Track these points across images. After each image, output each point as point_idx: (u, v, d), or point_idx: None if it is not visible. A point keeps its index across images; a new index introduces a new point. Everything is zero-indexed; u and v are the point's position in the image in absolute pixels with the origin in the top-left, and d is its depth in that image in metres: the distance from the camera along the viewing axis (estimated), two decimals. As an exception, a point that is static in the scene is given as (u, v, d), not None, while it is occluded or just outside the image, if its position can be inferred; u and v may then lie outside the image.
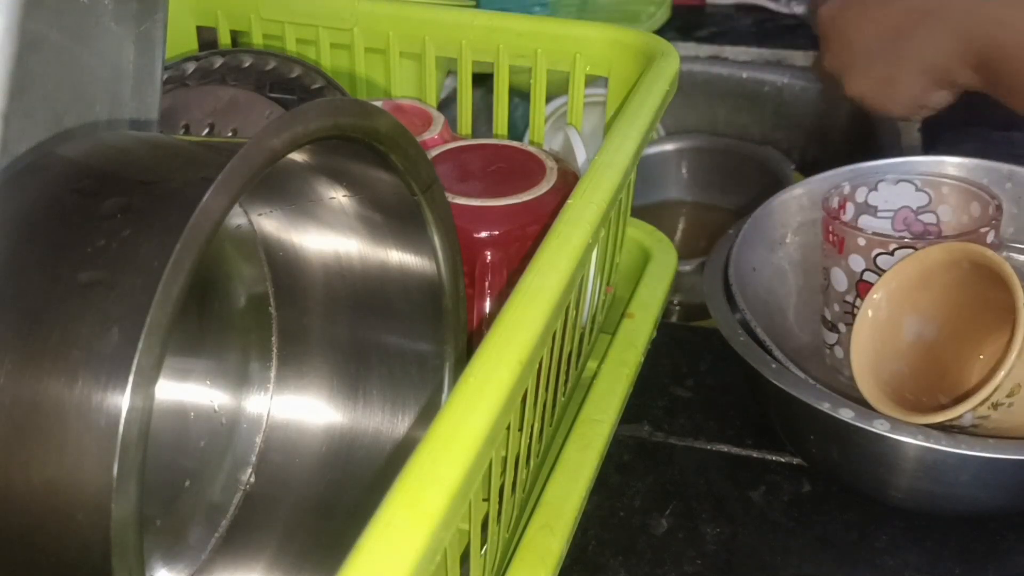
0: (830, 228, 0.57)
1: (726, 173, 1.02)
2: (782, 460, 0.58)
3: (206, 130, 0.56)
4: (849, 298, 0.57)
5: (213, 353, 0.47)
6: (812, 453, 0.55)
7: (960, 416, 0.47)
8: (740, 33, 1.08)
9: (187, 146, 0.36)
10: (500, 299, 0.51)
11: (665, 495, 0.56)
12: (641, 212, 0.67)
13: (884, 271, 0.53)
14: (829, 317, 0.59)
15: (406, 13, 0.63)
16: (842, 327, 0.58)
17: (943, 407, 0.48)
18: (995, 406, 0.47)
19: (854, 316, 0.57)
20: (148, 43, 0.43)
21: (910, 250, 0.53)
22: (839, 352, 0.59)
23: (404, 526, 0.29)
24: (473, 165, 0.56)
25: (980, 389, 0.47)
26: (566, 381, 0.53)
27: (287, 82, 0.60)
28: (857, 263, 0.55)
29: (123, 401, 0.28)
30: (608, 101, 0.61)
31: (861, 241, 0.55)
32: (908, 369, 0.53)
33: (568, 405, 0.56)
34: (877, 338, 0.52)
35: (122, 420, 0.28)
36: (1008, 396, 0.47)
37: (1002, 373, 0.46)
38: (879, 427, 0.48)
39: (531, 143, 0.59)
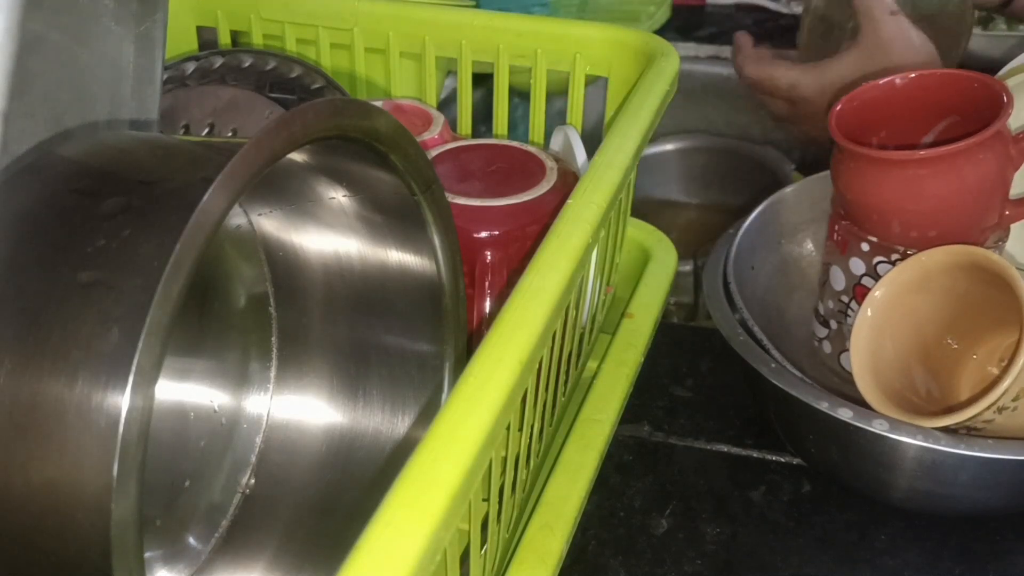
0: (835, 227, 0.57)
1: (726, 173, 1.02)
2: (782, 460, 0.58)
3: (206, 130, 0.56)
4: (844, 298, 0.57)
5: (213, 353, 0.47)
6: (811, 453, 0.55)
7: (964, 421, 0.47)
8: (740, 33, 1.08)
9: (187, 146, 0.36)
10: (500, 299, 0.51)
11: (665, 495, 0.56)
12: (641, 212, 0.67)
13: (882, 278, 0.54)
14: (822, 311, 0.59)
15: (406, 13, 0.63)
16: (833, 324, 0.58)
17: (948, 411, 0.48)
18: (1000, 410, 0.47)
19: (846, 315, 0.57)
20: (148, 43, 0.43)
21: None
22: (827, 347, 0.59)
23: (404, 526, 0.29)
24: (473, 165, 0.56)
25: (986, 393, 0.46)
26: (566, 381, 0.53)
27: (287, 82, 0.60)
28: (857, 266, 0.55)
29: (123, 401, 0.28)
30: (608, 101, 0.61)
31: (864, 246, 0.55)
32: (907, 369, 0.53)
33: (568, 405, 0.56)
34: (876, 338, 0.52)
35: (122, 420, 0.28)
36: (1014, 400, 0.47)
37: (1008, 380, 0.46)
38: (878, 427, 0.48)
39: (531, 143, 0.59)
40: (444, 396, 0.46)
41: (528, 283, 0.38)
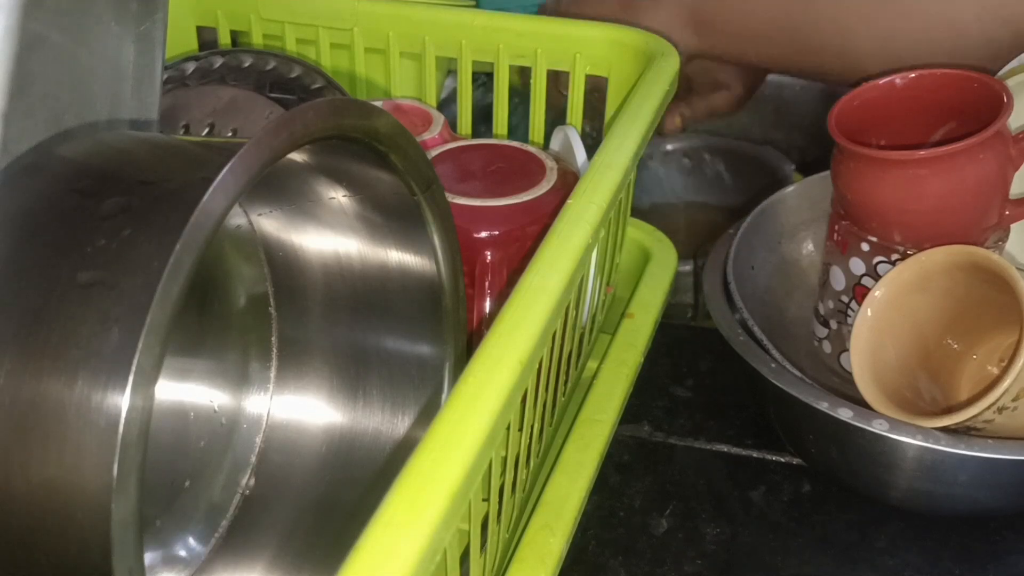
0: (836, 227, 0.57)
1: (726, 173, 1.02)
2: (782, 460, 0.58)
3: (206, 130, 0.56)
4: (844, 298, 0.57)
5: (213, 353, 0.47)
6: (811, 453, 0.55)
7: (964, 421, 0.47)
8: (740, 33, 1.07)
9: (187, 146, 0.36)
10: (500, 299, 0.51)
11: (665, 495, 0.56)
12: (641, 212, 0.67)
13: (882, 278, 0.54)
14: (822, 311, 0.59)
15: (406, 13, 0.63)
16: (833, 324, 0.58)
17: (948, 411, 0.48)
18: (1000, 410, 0.47)
19: (846, 315, 0.57)
20: (148, 43, 0.43)
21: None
22: (827, 347, 0.59)
23: (404, 526, 0.29)
24: (473, 165, 0.56)
25: (986, 394, 0.46)
26: (566, 381, 0.53)
27: (287, 82, 0.60)
28: (857, 266, 0.55)
29: (123, 401, 0.28)
30: (608, 101, 0.61)
31: (864, 246, 0.55)
32: (907, 369, 0.53)
33: (568, 405, 0.56)
34: (876, 338, 0.52)
35: (122, 420, 0.28)
36: (1014, 400, 0.47)
37: (1008, 380, 0.46)
38: (878, 427, 0.48)
39: (531, 143, 0.59)
40: (444, 396, 0.46)
41: (528, 283, 0.38)
